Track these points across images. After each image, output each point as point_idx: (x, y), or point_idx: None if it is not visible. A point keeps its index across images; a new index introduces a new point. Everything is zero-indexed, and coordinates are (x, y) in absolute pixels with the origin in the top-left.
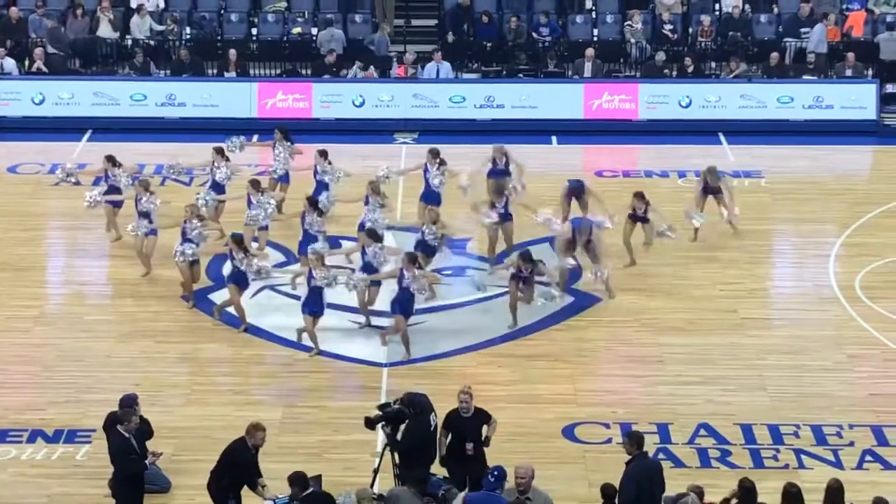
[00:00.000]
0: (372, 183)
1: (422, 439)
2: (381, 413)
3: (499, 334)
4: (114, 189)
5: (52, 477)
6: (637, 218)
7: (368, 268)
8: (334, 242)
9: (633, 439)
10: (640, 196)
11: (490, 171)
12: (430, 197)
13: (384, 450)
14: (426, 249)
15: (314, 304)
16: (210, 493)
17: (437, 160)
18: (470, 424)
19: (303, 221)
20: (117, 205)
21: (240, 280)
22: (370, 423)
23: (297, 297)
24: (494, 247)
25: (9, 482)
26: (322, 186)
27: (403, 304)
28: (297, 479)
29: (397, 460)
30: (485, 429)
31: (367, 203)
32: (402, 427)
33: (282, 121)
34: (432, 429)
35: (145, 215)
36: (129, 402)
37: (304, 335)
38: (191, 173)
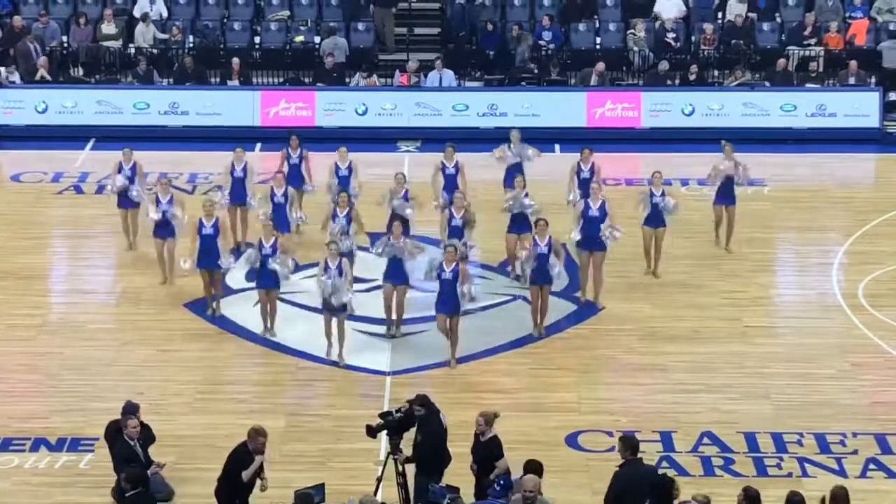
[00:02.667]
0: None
1: (440, 440)
2: (382, 422)
3: (502, 343)
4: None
5: (55, 486)
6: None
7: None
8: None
9: (625, 444)
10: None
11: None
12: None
13: (387, 458)
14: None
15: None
16: (218, 499)
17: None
18: (479, 447)
19: (334, 218)
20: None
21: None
22: (372, 432)
23: (299, 306)
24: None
25: (12, 491)
26: (345, 182)
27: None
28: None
29: (400, 469)
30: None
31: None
32: (420, 432)
33: (285, 129)
34: (444, 428)
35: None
36: (131, 410)
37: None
38: (194, 180)
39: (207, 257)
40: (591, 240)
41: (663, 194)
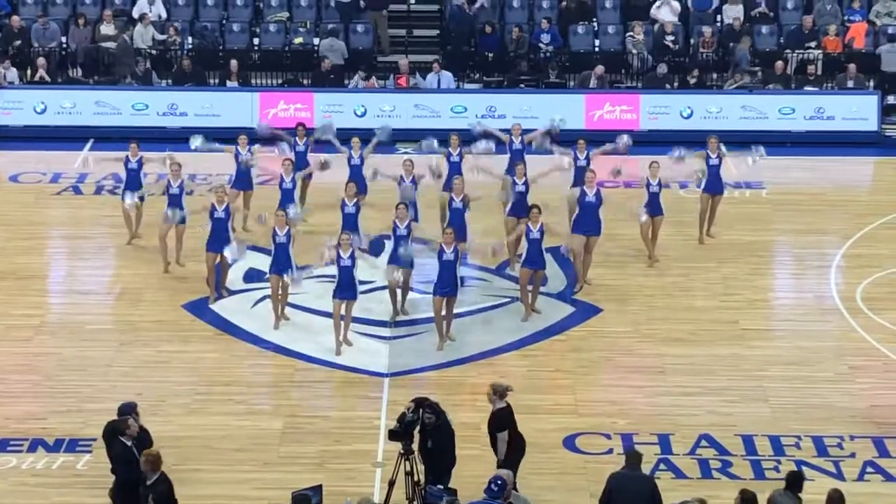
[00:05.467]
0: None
1: (452, 445)
2: (402, 425)
3: (499, 345)
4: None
5: (53, 486)
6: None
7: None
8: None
9: (626, 455)
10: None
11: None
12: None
13: (398, 460)
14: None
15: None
16: None
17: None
18: (489, 419)
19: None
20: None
21: (279, 268)
22: (396, 436)
23: (298, 307)
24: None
25: (9, 491)
26: (357, 171)
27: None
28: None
29: (408, 468)
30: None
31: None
32: (431, 439)
33: (284, 130)
34: (453, 430)
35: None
36: (127, 410)
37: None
38: (192, 181)
39: (217, 241)
40: (588, 225)
41: (659, 184)
